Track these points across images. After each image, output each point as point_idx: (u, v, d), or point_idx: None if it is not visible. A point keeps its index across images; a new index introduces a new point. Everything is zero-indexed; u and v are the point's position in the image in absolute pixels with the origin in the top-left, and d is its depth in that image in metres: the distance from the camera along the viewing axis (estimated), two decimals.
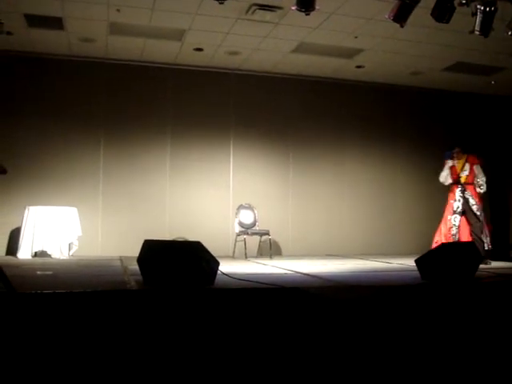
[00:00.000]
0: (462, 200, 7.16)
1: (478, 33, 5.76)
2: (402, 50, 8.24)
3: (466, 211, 7.14)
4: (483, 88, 10.11)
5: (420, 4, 5.67)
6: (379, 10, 6.60)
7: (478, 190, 7.17)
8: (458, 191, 7.20)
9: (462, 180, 7.22)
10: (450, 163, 7.36)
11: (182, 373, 2.04)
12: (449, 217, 7.23)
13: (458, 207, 7.15)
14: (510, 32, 5.96)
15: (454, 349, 2.47)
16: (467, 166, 7.26)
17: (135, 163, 8.89)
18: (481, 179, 7.18)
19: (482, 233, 7.11)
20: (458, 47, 8.02)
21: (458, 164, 7.31)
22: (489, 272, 5.90)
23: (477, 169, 7.26)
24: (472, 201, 7.14)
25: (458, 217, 7.15)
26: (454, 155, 7.34)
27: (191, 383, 1.92)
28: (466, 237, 7.08)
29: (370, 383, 1.96)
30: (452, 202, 7.24)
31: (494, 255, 7.45)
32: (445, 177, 7.37)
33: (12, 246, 8.02)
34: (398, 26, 5.92)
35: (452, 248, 5.31)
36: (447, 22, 5.75)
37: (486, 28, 5.73)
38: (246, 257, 8.19)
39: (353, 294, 4.27)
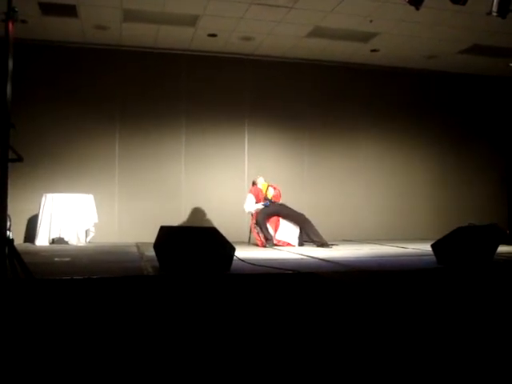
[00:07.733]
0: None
1: (495, 14, 5.66)
2: (417, 33, 8.13)
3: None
4: (501, 70, 9.97)
5: None
6: None
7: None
8: None
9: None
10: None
11: (199, 357, 2.06)
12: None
13: None
14: None
15: (470, 334, 2.46)
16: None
17: (151, 150, 8.93)
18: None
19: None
20: (475, 29, 7.91)
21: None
22: (508, 257, 5.86)
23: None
24: None
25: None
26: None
27: (208, 367, 1.94)
28: None
29: (383, 368, 1.96)
30: None
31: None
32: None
33: (30, 234, 8.12)
34: (413, 8, 5.85)
35: (469, 231, 5.25)
36: (463, 4, 5.65)
37: (503, 9, 5.62)
38: None
39: (368, 279, 4.26)
